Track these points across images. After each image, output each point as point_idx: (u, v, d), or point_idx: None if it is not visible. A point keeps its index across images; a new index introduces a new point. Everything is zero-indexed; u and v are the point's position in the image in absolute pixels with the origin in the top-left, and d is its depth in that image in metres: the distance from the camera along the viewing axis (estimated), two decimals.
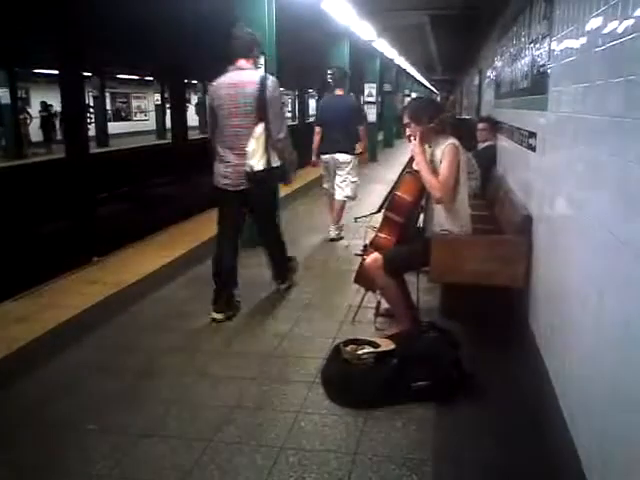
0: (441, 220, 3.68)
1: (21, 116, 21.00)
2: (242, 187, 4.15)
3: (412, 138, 3.72)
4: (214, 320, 4.16)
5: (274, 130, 4.09)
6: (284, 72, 7.25)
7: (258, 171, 4.01)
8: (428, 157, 3.71)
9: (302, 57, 16.40)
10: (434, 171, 3.57)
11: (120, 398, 3.12)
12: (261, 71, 4.50)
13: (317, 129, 6.65)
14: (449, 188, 3.55)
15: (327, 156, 6.54)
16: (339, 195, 6.53)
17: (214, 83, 4.24)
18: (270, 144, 4.07)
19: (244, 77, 4.09)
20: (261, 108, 4.02)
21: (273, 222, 4.73)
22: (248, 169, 4.02)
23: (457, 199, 3.66)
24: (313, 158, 6.77)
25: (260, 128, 4.01)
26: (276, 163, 4.16)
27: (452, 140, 3.65)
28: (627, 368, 1.82)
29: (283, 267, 4.83)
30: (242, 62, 4.16)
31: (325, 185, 6.84)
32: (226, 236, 4.43)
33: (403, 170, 3.86)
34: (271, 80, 4.13)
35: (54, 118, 22.54)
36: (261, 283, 5.01)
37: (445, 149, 3.58)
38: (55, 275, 5.09)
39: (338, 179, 6.55)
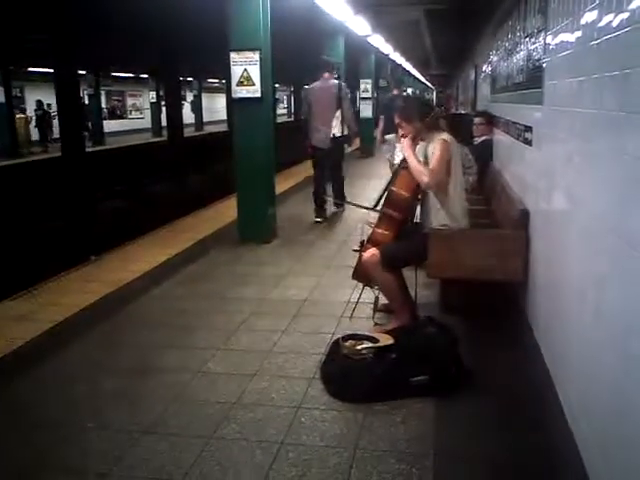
0: (438, 215, 3.68)
1: (20, 115, 20.97)
2: (327, 146, 7.18)
3: (404, 138, 3.75)
4: (318, 222, 7.31)
5: (346, 114, 7.27)
6: (279, 67, 7.24)
7: (338, 136, 7.26)
8: (423, 153, 3.72)
9: (297, 53, 16.35)
10: (426, 164, 3.58)
11: (119, 396, 3.12)
12: (336, 81, 7.39)
13: (381, 117, 9.49)
14: (437, 176, 3.55)
15: (391, 135, 8.35)
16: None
17: (310, 86, 7.39)
18: (343, 121, 7.24)
19: (329, 84, 7.25)
20: (338, 102, 7.16)
21: (341, 169, 7.74)
22: (332, 135, 7.16)
23: (453, 193, 3.66)
24: (378, 137, 9.75)
25: (338, 113, 7.16)
26: (346, 132, 7.38)
27: (444, 135, 3.66)
28: (626, 361, 1.83)
29: (340, 197, 7.61)
30: (327, 75, 7.29)
31: (388, 155, 8.68)
32: (319, 173, 7.53)
33: (399, 165, 3.86)
34: (344, 85, 7.37)
35: (49, 117, 22.43)
36: (261, 278, 5.02)
37: (436, 144, 3.59)
38: (53, 274, 5.09)
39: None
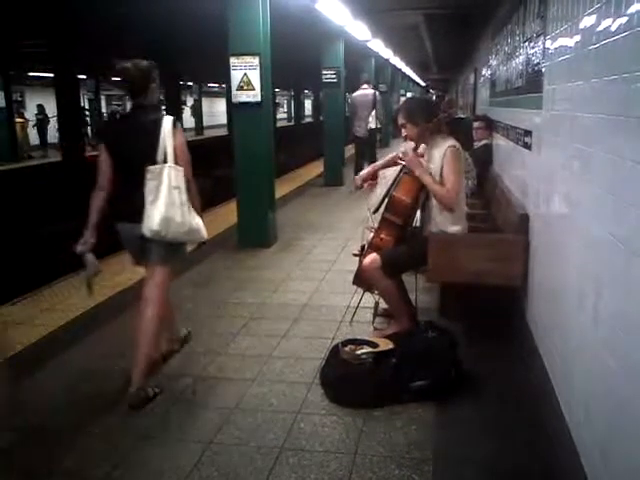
0: (438, 220, 3.68)
1: (19, 120, 21.00)
2: (365, 135, 10.49)
3: (408, 142, 3.74)
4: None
5: (379, 113, 10.66)
6: (279, 72, 7.24)
7: (373, 128, 10.57)
8: (425, 158, 3.71)
9: (297, 57, 16.38)
10: (435, 179, 3.56)
11: (119, 400, 3.11)
12: (372, 90, 10.77)
13: None
14: (456, 193, 3.56)
15: None
16: None
17: (354, 94, 10.65)
18: (377, 118, 10.56)
19: (367, 92, 10.55)
20: (373, 105, 10.40)
21: (374, 149, 11.11)
22: (369, 127, 10.44)
23: (457, 199, 3.65)
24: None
25: (374, 112, 10.39)
26: (378, 125, 10.78)
27: (451, 141, 3.62)
28: (624, 365, 1.82)
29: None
30: (366, 85, 10.62)
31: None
32: (360, 156, 10.65)
33: (400, 170, 3.86)
34: (377, 93, 10.80)
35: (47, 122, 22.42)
36: (260, 282, 5.02)
37: (446, 152, 3.56)
38: (54, 278, 5.09)
39: None
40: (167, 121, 3.12)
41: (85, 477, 2.50)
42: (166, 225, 3.01)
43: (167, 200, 3.01)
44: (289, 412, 2.96)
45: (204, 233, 3.33)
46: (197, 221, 3.23)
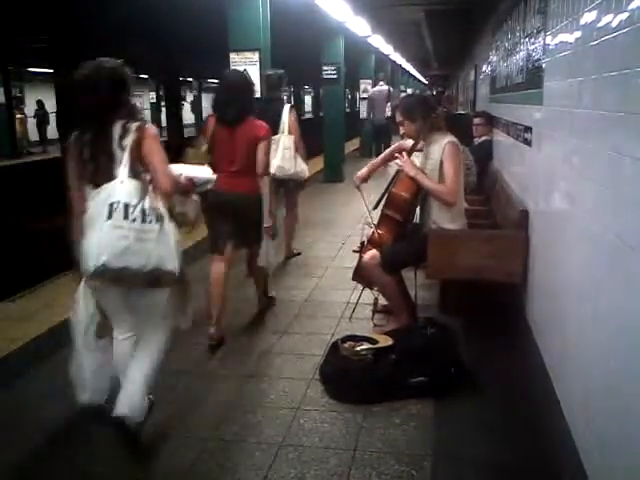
0: (437, 216, 3.67)
1: (18, 115, 20.97)
2: (382, 123, 12.89)
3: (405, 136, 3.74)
4: None
5: (392, 105, 11.62)
6: (279, 67, 7.20)
7: (387, 117, 12.49)
8: (423, 154, 3.70)
9: (297, 53, 16.36)
10: (437, 177, 3.56)
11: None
12: (387, 86, 13.54)
13: None
14: (458, 190, 3.56)
15: None
16: None
17: (372, 90, 13.67)
18: (390, 109, 12.25)
19: (383, 88, 13.33)
20: (388, 98, 13.06)
21: (389, 134, 12.60)
22: (386, 116, 12.66)
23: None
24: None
25: (388, 104, 12.79)
26: (389, 115, 12.31)
27: (450, 137, 3.62)
28: (624, 362, 1.82)
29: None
30: (381, 82, 13.46)
31: None
32: (374, 142, 13.52)
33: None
34: (391, 89, 13.95)
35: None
36: None
37: (445, 148, 3.55)
38: (56, 273, 5.09)
39: None
40: (286, 107, 5.26)
41: (86, 474, 2.51)
42: (280, 170, 5.06)
43: (281, 156, 5.12)
44: (289, 408, 2.97)
45: (305, 175, 5.44)
46: (302, 167, 5.33)
